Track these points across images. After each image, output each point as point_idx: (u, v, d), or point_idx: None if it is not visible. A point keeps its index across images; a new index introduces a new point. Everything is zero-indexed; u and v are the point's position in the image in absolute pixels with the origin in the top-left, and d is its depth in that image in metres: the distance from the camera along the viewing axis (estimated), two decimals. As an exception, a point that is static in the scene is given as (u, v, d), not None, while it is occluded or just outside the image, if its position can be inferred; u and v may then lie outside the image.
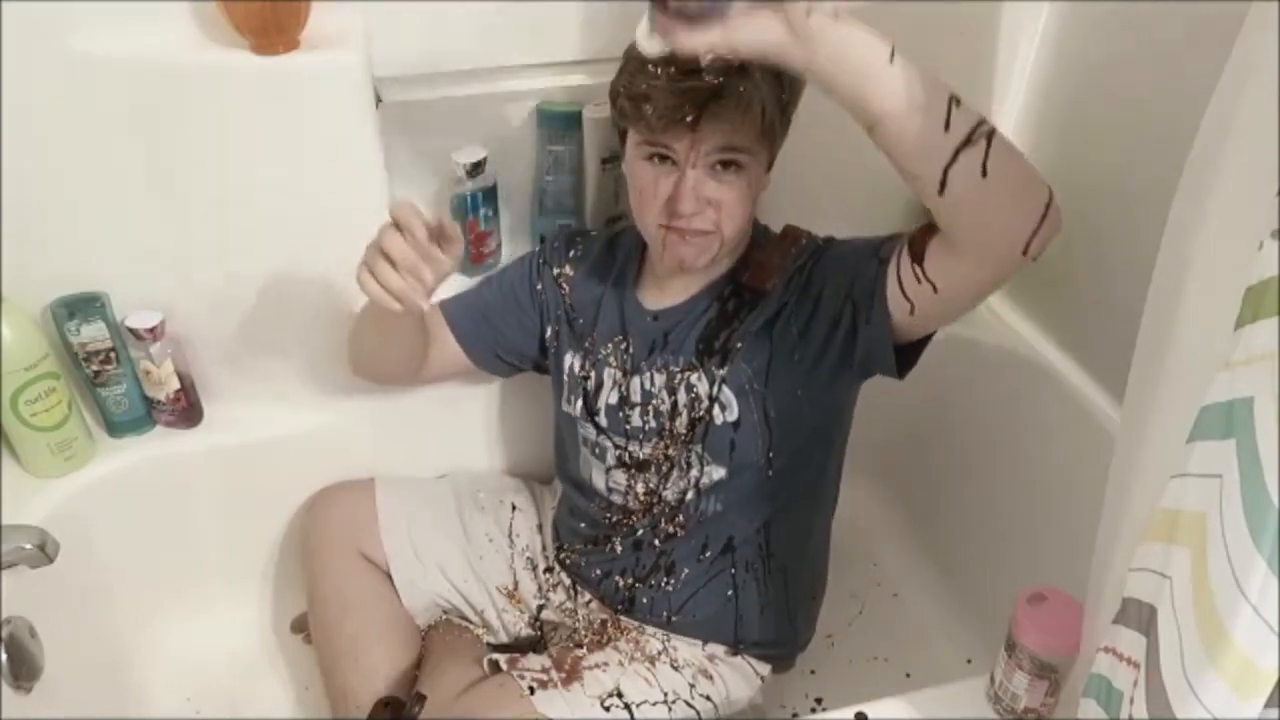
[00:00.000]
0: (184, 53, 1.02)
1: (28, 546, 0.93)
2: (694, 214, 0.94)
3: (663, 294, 1.07)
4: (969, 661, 1.33)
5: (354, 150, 1.09)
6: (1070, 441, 1.25)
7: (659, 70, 0.89)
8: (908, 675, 1.32)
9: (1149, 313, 0.64)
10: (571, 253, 1.14)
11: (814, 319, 0.98)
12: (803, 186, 1.27)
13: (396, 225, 0.87)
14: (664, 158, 0.94)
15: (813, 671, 1.31)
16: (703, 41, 0.73)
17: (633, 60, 0.94)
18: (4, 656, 0.93)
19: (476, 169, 1.17)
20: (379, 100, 1.10)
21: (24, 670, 0.95)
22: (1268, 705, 0.55)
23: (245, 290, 1.17)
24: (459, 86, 1.15)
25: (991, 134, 0.76)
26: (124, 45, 0.99)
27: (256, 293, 1.17)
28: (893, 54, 0.75)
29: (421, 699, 1.04)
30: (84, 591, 1.18)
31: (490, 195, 1.20)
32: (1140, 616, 0.64)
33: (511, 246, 1.27)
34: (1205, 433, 0.56)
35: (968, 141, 0.76)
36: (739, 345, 1.01)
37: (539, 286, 1.15)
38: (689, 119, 0.89)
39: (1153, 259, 0.62)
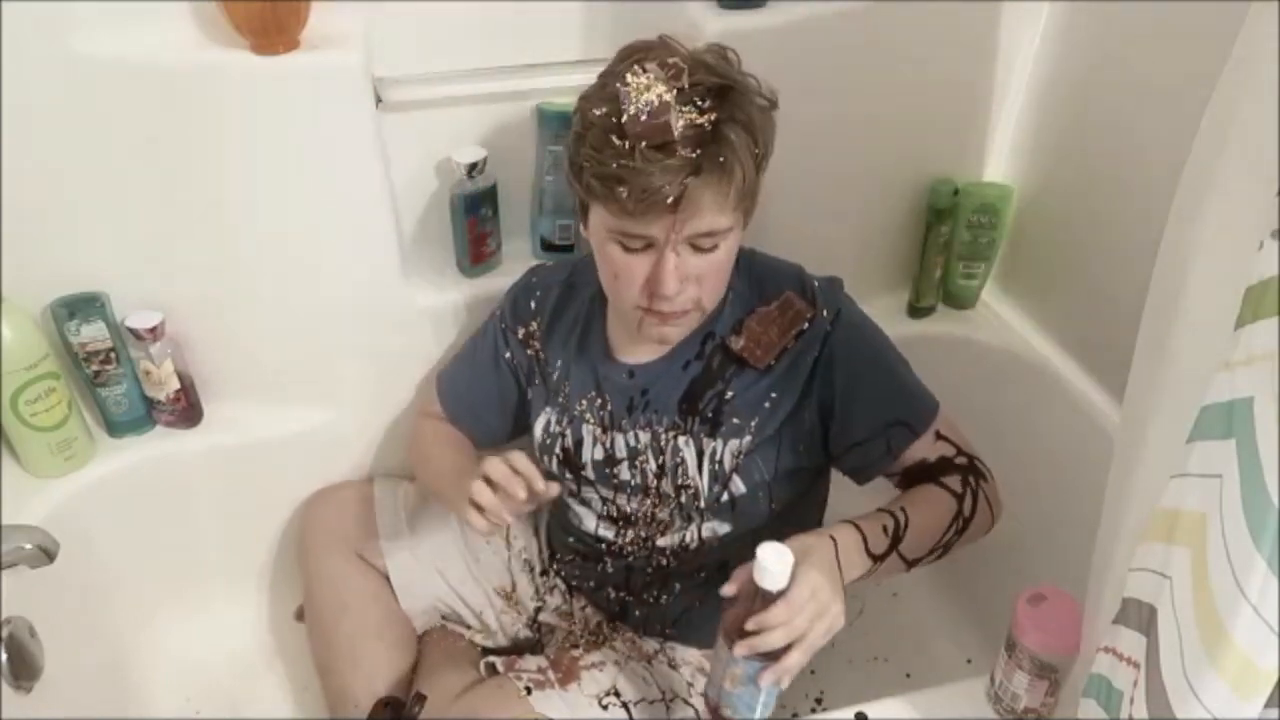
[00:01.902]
0: (184, 53, 1.02)
1: (28, 546, 0.93)
2: (678, 294, 0.89)
3: (637, 347, 1.02)
4: (969, 661, 1.33)
5: (354, 150, 1.10)
6: (1070, 441, 1.25)
7: (630, 147, 0.82)
8: (908, 675, 1.32)
9: (1149, 313, 0.64)
10: (532, 304, 1.09)
11: (816, 417, 0.98)
12: (803, 189, 1.28)
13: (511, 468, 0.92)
14: (640, 244, 0.88)
15: (813, 671, 1.31)
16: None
17: (593, 128, 0.86)
18: (4, 656, 0.93)
19: (476, 169, 1.17)
20: (379, 100, 1.10)
21: (24, 670, 0.95)
22: (1268, 705, 0.55)
23: (245, 290, 1.17)
24: (459, 86, 1.15)
25: (945, 552, 0.95)
26: (124, 45, 0.99)
27: (256, 292, 1.17)
28: (871, 564, 0.89)
29: (421, 699, 1.04)
30: (84, 591, 1.18)
31: (490, 195, 1.20)
32: (1140, 616, 0.64)
33: (511, 246, 1.27)
34: (1205, 433, 0.56)
35: (926, 564, 0.95)
36: (735, 421, 0.98)
37: (507, 355, 1.11)
38: (669, 200, 0.82)
39: (1152, 258, 0.62)
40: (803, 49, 1.16)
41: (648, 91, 0.82)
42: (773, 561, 0.75)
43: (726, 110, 0.84)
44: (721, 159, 0.83)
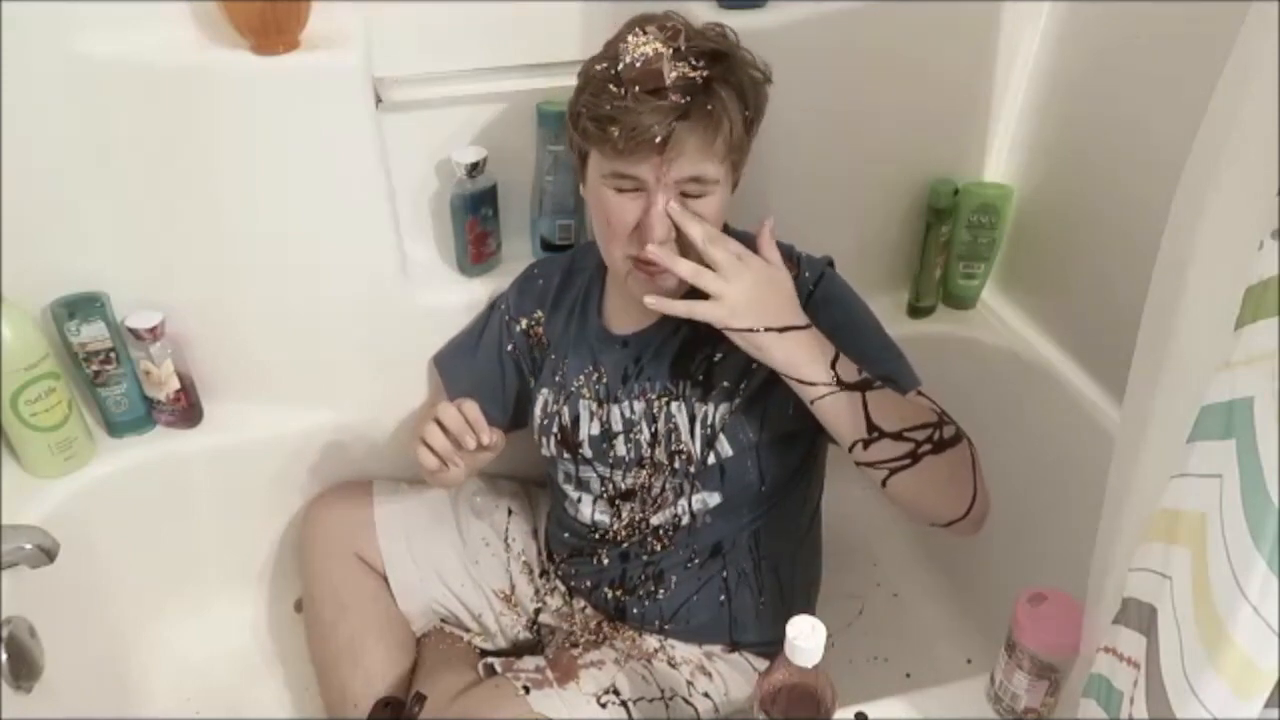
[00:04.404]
0: (184, 53, 1.02)
1: (28, 546, 0.93)
2: (664, 242, 0.91)
3: (629, 317, 1.06)
4: (969, 661, 1.33)
5: (354, 150, 1.10)
6: (1070, 441, 1.25)
7: (624, 90, 0.88)
8: (908, 675, 1.32)
9: (1149, 313, 0.64)
10: (535, 294, 1.14)
11: None
12: (803, 188, 1.28)
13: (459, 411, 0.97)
14: (630, 185, 0.91)
15: (813, 671, 1.31)
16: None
17: (593, 80, 0.92)
18: (4, 656, 0.93)
19: (476, 169, 1.17)
20: (379, 100, 1.10)
21: (24, 670, 0.95)
22: (1268, 705, 0.55)
23: (245, 290, 1.17)
24: (459, 86, 1.15)
25: (913, 459, 0.89)
26: (124, 46, 0.99)
27: (256, 293, 1.17)
28: (835, 380, 0.88)
29: (421, 699, 1.05)
30: (84, 591, 1.18)
31: (490, 195, 1.20)
32: (1140, 616, 0.64)
33: (511, 246, 1.27)
34: (1205, 433, 0.56)
35: (888, 462, 0.90)
36: (725, 383, 1.00)
37: (509, 347, 1.15)
38: (657, 139, 0.86)
39: (1153, 259, 0.62)
40: (803, 49, 1.16)
41: (645, 46, 0.90)
42: (805, 636, 0.71)
43: (719, 71, 0.90)
44: (710, 107, 0.88)
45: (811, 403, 0.90)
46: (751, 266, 0.88)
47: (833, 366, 0.89)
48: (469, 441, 0.96)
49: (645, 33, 0.91)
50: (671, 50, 0.89)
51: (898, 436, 0.89)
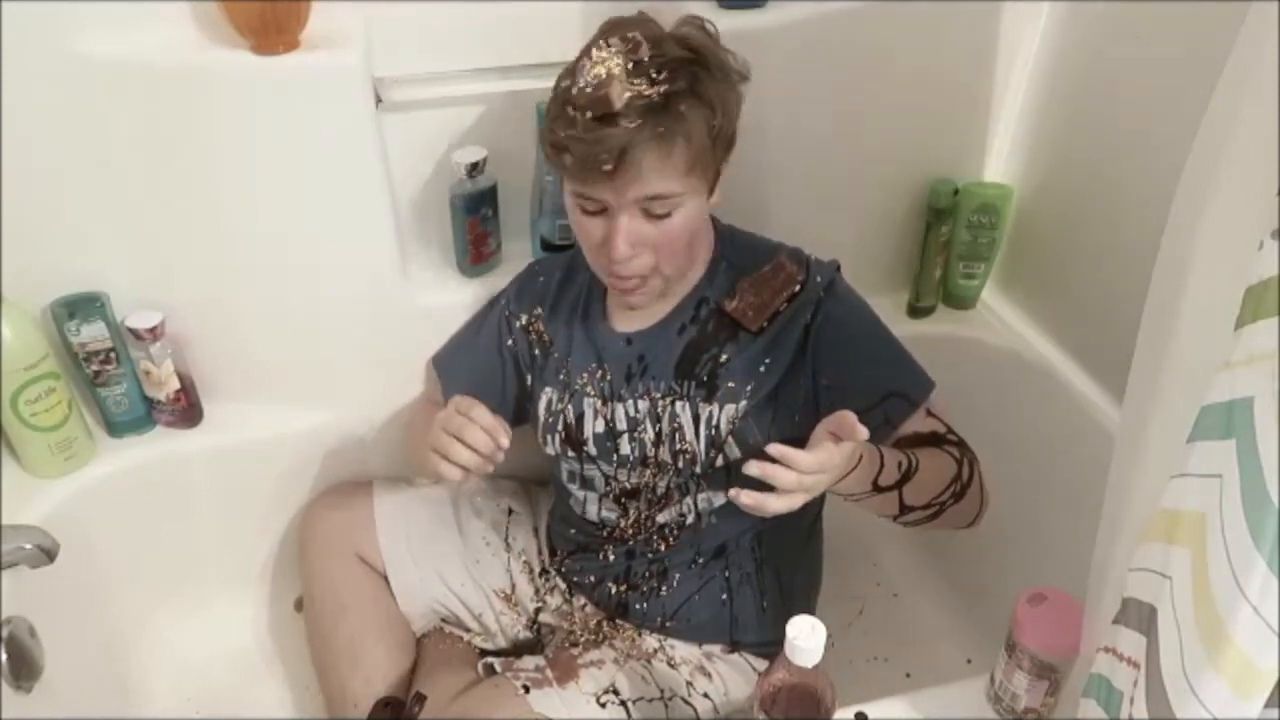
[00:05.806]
0: (184, 53, 1.02)
1: (28, 546, 0.93)
2: (630, 259, 0.92)
3: (633, 314, 1.05)
4: (969, 661, 1.33)
5: (354, 150, 1.10)
6: (1070, 441, 1.25)
7: (575, 115, 0.87)
8: (908, 675, 1.32)
9: (1149, 313, 0.64)
10: (536, 291, 1.14)
11: (810, 385, 0.99)
12: (803, 188, 1.28)
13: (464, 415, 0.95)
14: (594, 206, 0.92)
15: (813, 671, 1.31)
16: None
17: (555, 99, 0.92)
18: (4, 656, 0.93)
19: (476, 169, 1.17)
20: (379, 100, 1.10)
21: (24, 670, 0.95)
22: (1268, 705, 0.55)
23: (245, 290, 1.17)
24: (459, 86, 1.15)
25: (938, 513, 0.94)
26: (124, 46, 0.99)
27: (256, 293, 1.17)
28: (871, 491, 0.88)
29: (421, 699, 1.05)
30: (84, 591, 1.18)
31: (490, 195, 1.20)
32: (1140, 616, 0.64)
33: (511, 246, 1.27)
34: (1205, 433, 0.56)
35: (913, 521, 0.94)
36: (730, 384, 1.00)
37: (509, 343, 1.15)
38: (606, 166, 0.86)
39: (1152, 258, 0.62)
40: (803, 49, 1.16)
41: (600, 65, 0.87)
42: (805, 636, 0.70)
43: (682, 83, 0.87)
44: (661, 129, 0.86)
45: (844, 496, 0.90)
46: (830, 470, 0.81)
47: (874, 481, 0.88)
48: (499, 457, 0.95)
49: (608, 45, 0.89)
50: (631, 65, 0.87)
51: (926, 506, 0.93)
